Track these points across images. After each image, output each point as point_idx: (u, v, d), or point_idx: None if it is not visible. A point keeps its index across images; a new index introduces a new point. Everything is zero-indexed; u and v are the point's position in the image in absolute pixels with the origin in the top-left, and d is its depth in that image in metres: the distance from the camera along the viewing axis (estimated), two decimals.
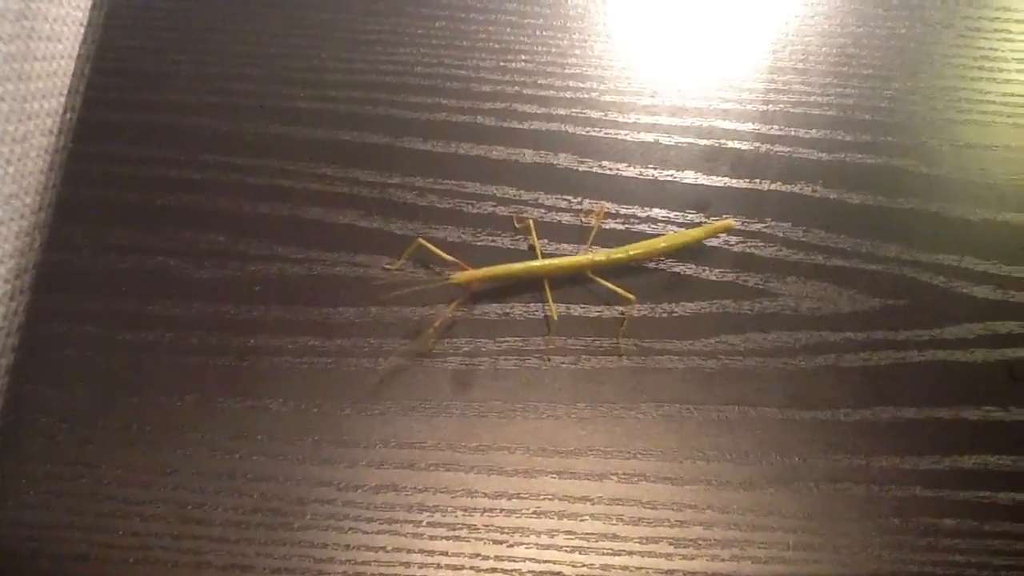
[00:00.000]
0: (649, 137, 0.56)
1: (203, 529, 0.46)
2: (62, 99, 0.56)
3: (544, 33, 0.58)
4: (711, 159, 0.55)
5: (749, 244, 0.53)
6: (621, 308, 0.51)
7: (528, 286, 0.52)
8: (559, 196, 0.54)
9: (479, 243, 0.53)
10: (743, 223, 0.54)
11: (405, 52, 0.57)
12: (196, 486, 0.47)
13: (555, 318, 0.50)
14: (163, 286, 0.51)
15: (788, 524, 0.47)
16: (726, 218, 0.53)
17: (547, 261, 0.50)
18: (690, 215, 0.54)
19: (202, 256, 0.51)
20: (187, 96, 0.56)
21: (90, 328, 0.50)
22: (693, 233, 0.52)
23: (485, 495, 0.47)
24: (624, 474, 0.48)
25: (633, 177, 0.55)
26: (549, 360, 0.50)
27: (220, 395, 0.48)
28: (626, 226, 0.53)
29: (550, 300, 0.50)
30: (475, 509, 0.47)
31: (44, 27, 0.54)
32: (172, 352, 0.49)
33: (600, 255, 0.51)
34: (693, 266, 0.53)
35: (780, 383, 0.50)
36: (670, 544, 0.47)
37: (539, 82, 0.57)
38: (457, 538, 0.46)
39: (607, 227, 0.53)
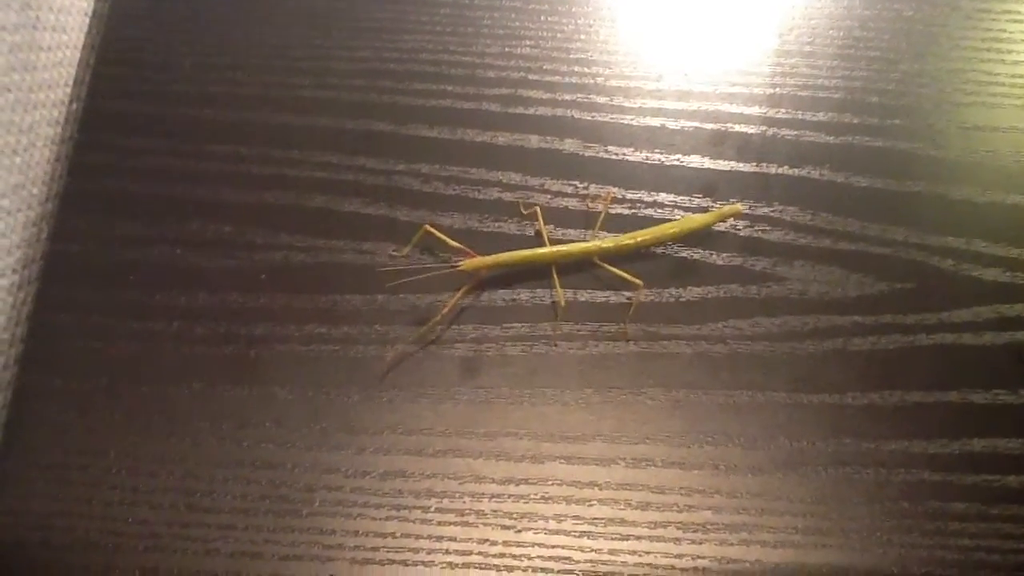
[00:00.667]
0: (655, 122, 0.56)
1: (211, 517, 0.46)
2: (68, 89, 0.56)
3: (549, 18, 0.58)
4: (717, 143, 0.55)
5: (756, 228, 0.53)
6: (628, 293, 0.51)
7: (535, 272, 0.52)
8: (565, 182, 0.54)
9: (485, 229, 0.53)
10: (750, 207, 0.53)
11: (409, 39, 0.57)
12: (204, 474, 0.47)
13: (563, 304, 0.50)
14: (169, 276, 0.51)
15: (796, 508, 0.47)
16: (734, 203, 0.53)
17: (554, 248, 0.50)
18: (696, 200, 0.54)
19: (208, 245, 0.51)
20: (192, 86, 0.56)
21: (97, 318, 0.50)
22: (701, 219, 0.51)
23: (493, 481, 0.47)
24: (632, 459, 0.48)
25: (639, 162, 0.55)
26: (556, 346, 0.50)
27: (227, 383, 0.48)
28: (632, 211, 0.53)
29: (557, 286, 0.50)
30: (483, 495, 0.47)
31: (49, 17, 0.54)
32: (178, 341, 0.49)
33: (607, 242, 0.51)
34: (700, 251, 0.53)
35: (788, 367, 0.50)
36: (678, 529, 0.46)
37: (544, 68, 0.57)
38: (465, 524, 0.46)
39: (613, 212, 0.53)
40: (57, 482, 0.46)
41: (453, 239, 0.50)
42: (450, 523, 0.46)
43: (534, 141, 0.55)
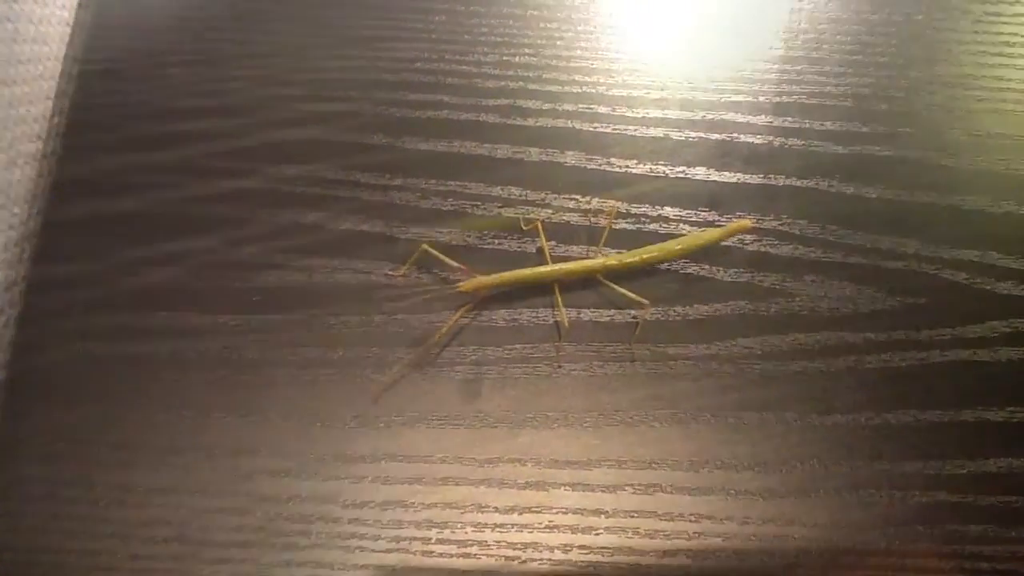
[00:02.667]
0: (659, 132, 0.54)
1: (205, 550, 0.44)
2: (49, 103, 0.54)
3: (548, 26, 0.57)
4: (723, 154, 0.53)
5: (764, 242, 0.52)
6: (633, 312, 0.50)
7: (537, 291, 0.50)
8: (567, 196, 0.52)
9: (485, 246, 0.51)
10: (757, 220, 0.52)
11: (404, 48, 0.55)
12: (197, 505, 0.45)
13: (566, 324, 0.49)
14: (158, 297, 0.49)
15: (810, 533, 0.46)
16: (741, 217, 0.51)
17: (557, 266, 0.49)
18: (702, 213, 0.52)
19: (198, 265, 0.50)
20: (179, 98, 0.54)
21: (84, 342, 0.48)
22: (709, 235, 0.50)
23: (496, 509, 0.46)
24: (639, 485, 0.46)
25: (643, 174, 0.53)
26: (560, 367, 0.48)
27: (219, 410, 0.47)
28: (637, 226, 0.52)
29: (560, 305, 0.48)
30: (486, 524, 0.45)
31: (29, 29, 0.52)
32: (169, 366, 0.48)
33: (612, 259, 0.49)
34: (707, 266, 0.51)
35: (798, 387, 0.49)
36: (688, 557, 0.45)
37: (544, 77, 0.55)
38: (468, 555, 0.45)
39: (617, 227, 0.51)
40: (46, 515, 0.45)
41: (451, 257, 0.48)
42: (452, 555, 0.45)
43: (534, 153, 0.53)
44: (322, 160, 0.52)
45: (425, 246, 0.48)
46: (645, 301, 0.48)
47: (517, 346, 0.49)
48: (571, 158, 0.53)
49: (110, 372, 0.47)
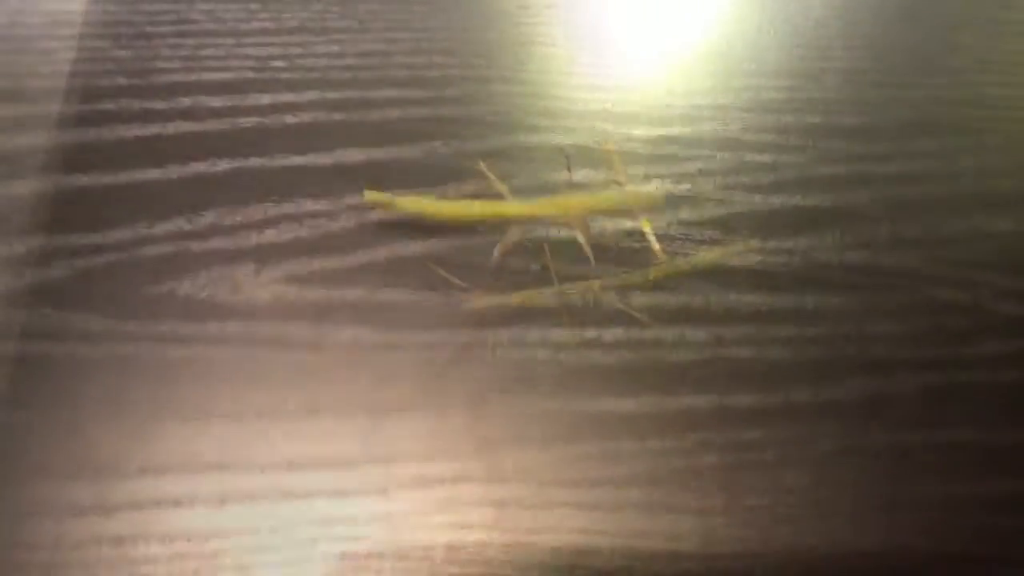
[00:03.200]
0: (663, 150, 0.54)
1: (201, 563, 0.44)
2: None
3: (551, 41, 0.56)
4: (728, 173, 0.53)
5: (768, 262, 0.52)
6: (639, 332, 0.49)
7: (540, 309, 0.50)
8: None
9: (488, 264, 0.51)
10: (761, 239, 0.52)
11: (406, 60, 0.55)
12: (185, 510, 0.45)
13: (571, 344, 0.49)
14: (153, 301, 0.49)
15: (815, 557, 0.46)
16: (746, 236, 0.51)
17: (563, 285, 0.49)
18: (708, 232, 0.52)
19: (191, 272, 0.49)
20: (166, 104, 0.53)
21: (79, 347, 0.47)
22: (712, 255, 0.50)
23: (500, 529, 0.45)
24: (643, 505, 0.46)
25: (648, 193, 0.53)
26: (562, 386, 0.48)
27: (210, 414, 0.46)
28: (642, 243, 0.52)
29: (564, 324, 0.48)
30: (489, 544, 0.45)
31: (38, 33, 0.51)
32: (166, 366, 0.47)
33: (617, 279, 0.49)
34: (710, 286, 0.51)
35: (801, 409, 0.49)
36: None
37: (549, 93, 0.55)
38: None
39: (622, 245, 0.51)
40: (32, 525, 0.44)
41: (454, 275, 0.48)
42: (454, 575, 0.45)
43: (538, 169, 0.53)
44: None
45: (430, 264, 0.48)
46: (646, 320, 0.48)
47: (518, 365, 0.49)
48: (575, 174, 0.53)
49: (98, 377, 0.47)
